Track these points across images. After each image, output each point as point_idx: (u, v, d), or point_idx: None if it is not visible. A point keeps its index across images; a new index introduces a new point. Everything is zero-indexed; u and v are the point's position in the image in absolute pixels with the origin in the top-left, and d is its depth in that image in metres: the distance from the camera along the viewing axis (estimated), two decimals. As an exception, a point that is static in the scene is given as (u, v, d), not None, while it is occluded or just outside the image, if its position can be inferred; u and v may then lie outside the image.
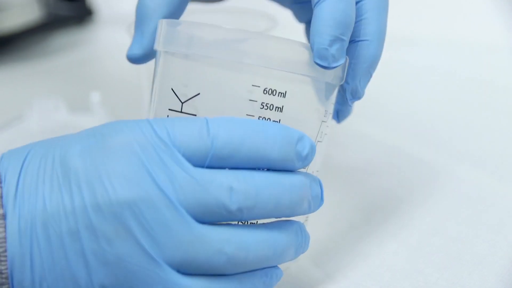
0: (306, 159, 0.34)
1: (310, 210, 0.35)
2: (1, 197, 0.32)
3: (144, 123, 0.32)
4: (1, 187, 0.33)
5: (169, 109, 0.36)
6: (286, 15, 0.48)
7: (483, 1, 0.83)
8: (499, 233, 0.44)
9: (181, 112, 0.35)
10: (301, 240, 0.35)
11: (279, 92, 0.35)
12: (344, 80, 0.38)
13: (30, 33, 0.89)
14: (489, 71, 0.76)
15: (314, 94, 0.36)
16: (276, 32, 0.49)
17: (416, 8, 0.89)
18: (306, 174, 0.34)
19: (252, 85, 0.34)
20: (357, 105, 0.43)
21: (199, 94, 0.35)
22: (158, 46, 0.37)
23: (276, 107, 0.35)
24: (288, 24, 0.49)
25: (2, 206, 0.32)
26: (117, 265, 0.32)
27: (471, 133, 0.60)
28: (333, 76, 0.36)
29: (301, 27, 0.46)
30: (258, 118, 0.35)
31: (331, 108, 0.38)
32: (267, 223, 0.34)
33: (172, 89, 0.36)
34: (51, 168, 0.33)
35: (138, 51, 0.38)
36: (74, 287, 0.32)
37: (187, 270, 0.32)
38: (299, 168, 0.34)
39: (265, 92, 0.35)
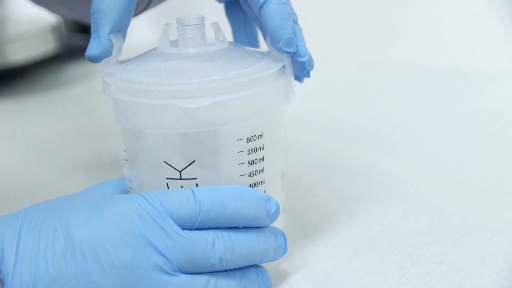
0: (274, 217, 0.40)
1: (276, 257, 0.41)
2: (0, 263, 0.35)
3: (137, 196, 0.38)
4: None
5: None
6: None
7: (487, 31, 0.83)
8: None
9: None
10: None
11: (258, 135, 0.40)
12: None
13: (44, 64, 0.90)
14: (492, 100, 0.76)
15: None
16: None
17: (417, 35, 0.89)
18: (272, 228, 0.40)
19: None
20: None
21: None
22: None
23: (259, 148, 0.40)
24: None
25: (1, 271, 0.35)
26: None
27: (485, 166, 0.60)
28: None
29: None
30: (248, 162, 0.40)
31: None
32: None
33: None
34: (52, 237, 0.36)
35: (96, 51, 0.40)
36: None
37: None
38: (269, 224, 0.40)
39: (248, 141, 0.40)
